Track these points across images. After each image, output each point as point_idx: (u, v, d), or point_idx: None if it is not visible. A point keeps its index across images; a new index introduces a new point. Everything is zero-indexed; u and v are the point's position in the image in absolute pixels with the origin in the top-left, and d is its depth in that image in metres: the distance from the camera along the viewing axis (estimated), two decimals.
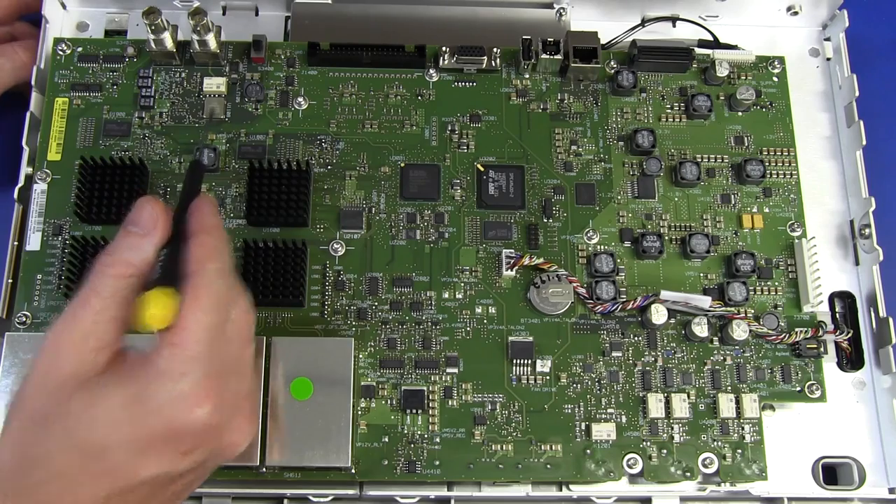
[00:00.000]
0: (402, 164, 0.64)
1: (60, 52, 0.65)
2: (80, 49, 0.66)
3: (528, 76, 0.66)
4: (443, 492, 0.58)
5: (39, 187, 0.62)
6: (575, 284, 0.60)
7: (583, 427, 0.59)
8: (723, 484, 0.58)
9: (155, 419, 0.41)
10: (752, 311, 0.61)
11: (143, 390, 0.41)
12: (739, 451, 0.59)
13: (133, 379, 0.42)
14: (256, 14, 0.71)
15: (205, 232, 0.46)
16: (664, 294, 0.60)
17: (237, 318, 0.46)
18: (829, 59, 0.71)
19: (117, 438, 0.41)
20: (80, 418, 0.41)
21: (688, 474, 0.58)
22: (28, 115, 0.63)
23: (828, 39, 0.72)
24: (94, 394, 0.41)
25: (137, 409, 0.41)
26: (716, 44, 0.69)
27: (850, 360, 0.63)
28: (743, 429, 0.59)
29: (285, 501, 0.58)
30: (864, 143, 0.65)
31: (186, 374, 0.42)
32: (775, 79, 0.68)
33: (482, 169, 0.64)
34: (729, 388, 0.60)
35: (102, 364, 0.42)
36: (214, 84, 0.65)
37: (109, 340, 0.43)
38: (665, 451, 0.58)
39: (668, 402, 0.59)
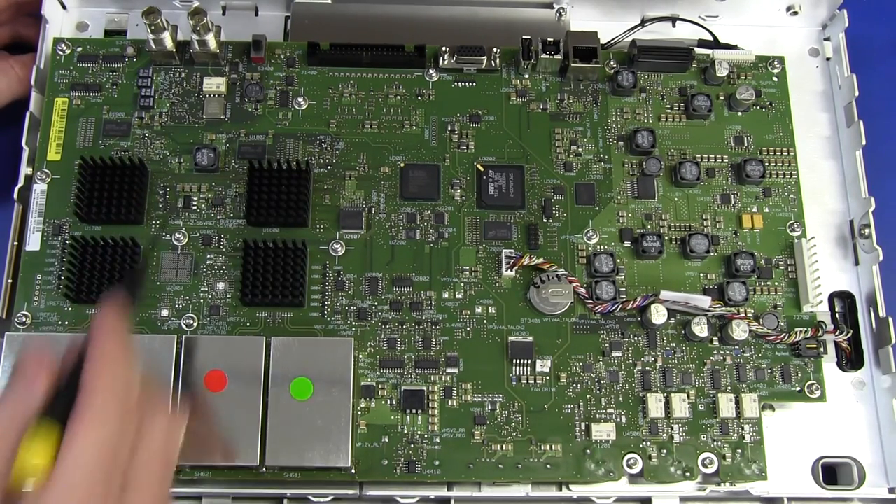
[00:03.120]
0: (402, 164, 0.64)
1: (60, 52, 0.65)
2: (79, 49, 0.66)
3: (527, 76, 0.66)
4: (443, 492, 0.58)
5: (39, 187, 0.62)
6: (575, 284, 0.60)
7: (583, 427, 0.59)
8: (722, 484, 0.58)
9: None
10: (752, 311, 0.61)
11: None
12: (739, 451, 0.59)
13: None
14: (256, 14, 0.71)
15: (97, 352, 0.43)
16: (664, 294, 0.60)
17: (149, 437, 0.43)
18: (828, 59, 0.71)
19: None
20: None
21: (687, 474, 0.58)
22: (28, 115, 0.63)
23: (828, 39, 0.72)
24: None
25: None
26: (716, 44, 0.69)
27: (850, 360, 0.63)
28: (743, 429, 0.59)
29: (285, 501, 0.58)
30: (864, 142, 0.65)
31: None
32: (775, 79, 0.68)
33: (482, 169, 0.64)
34: (729, 388, 0.60)
35: None
36: (214, 84, 0.65)
37: None
38: (665, 451, 0.58)
39: (667, 402, 0.59)
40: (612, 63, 0.67)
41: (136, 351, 0.45)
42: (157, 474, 0.44)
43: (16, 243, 0.61)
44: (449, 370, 0.59)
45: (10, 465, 0.40)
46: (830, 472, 0.61)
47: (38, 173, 0.62)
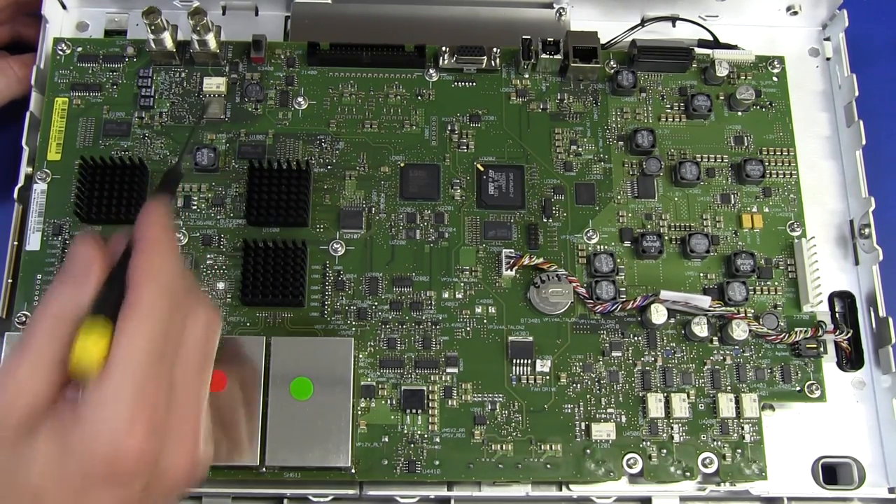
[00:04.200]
0: (402, 164, 0.64)
1: (60, 52, 0.65)
2: (79, 49, 0.66)
3: (527, 76, 0.66)
4: (443, 492, 0.58)
5: (39, 187, 0.62)
6: (575, 284, 0.60)
7: (582, 427, 0.59)
8: (722, 484, 0.58)
9: (85, 456, 0.39)
10: (752, 311, 0.61)
11: (70, 430, 0.40)
12: (739, 450, 0.59)
13: (62, 420, 0.40)
14: (256, 14, 0.71)
15: (144, 245, 0.43)
16: (664, 294, 0.60)
17: (193, 335, 0.44)
18: (828, 59, 0.71)
19: (51, 483, 0.39)
20: (14, 468, 0.40)
21: (687, 474, 0.58)
22: (28, 114, 0.63)
23: (827, 39, 0.72)
24: (26, 443, 0.40)
25: (67, 450, 0.40)
26: (716, 44, 0.69)
27: (850, 359, 0.63)
28: (743, 428, 0.59)
29: (285, 501, 0.58)
30: (864, 142, 0.65)
31: (114, 406, 0.40)
32: (775, 79, 0.68)
33: (482, 169, 0.64)
34: (729, 387, 0.60)
35: (38, 415, 0.40)
36: (214, 84, 0.65)
37: (45, 391, 0.40)
38: (665, 450, 0.58)
39: (667, 402, 0.59)
40: (612, 63, 0.67)
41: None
42: (199, 369, 0.45)
43: (16, 243, 0.61)
44: (449, 370, 0.59)
45: (65, 361, 0.41)
46: (830, 472, 0.61)
47: (38, 173, 0.62)
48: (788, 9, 0.71)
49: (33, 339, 0.41)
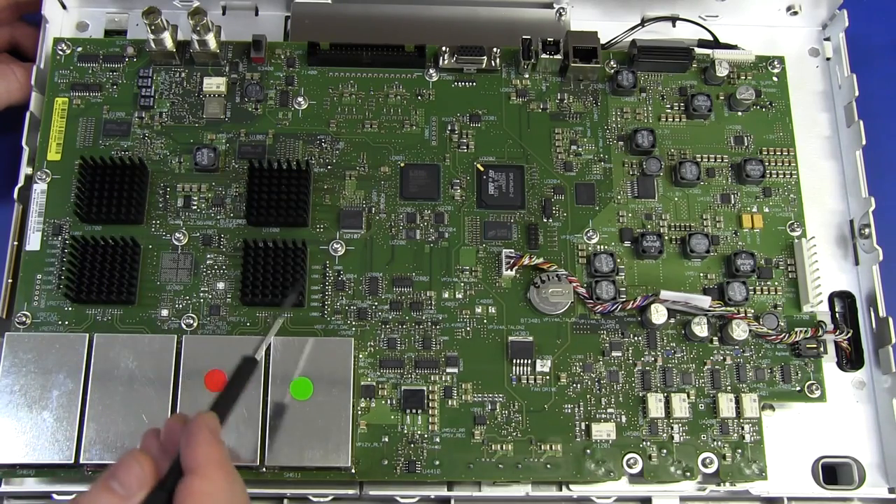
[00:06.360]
0: (402, 164, 0.64)
1: (60, 52, 0.65)
2: (80, 49, 0.66)
3: (527, 76, 0.66)
4: (443, 492, 0.58)
5: (39, 187, 0.62)
6: (575, 284, 0.60)
7: (583, 427, 0.59)
8: (723, 484, 0.58)
9: None
10: (752, 311, 0.61)
11: None
12: (739, 450, 0.59)
13: None
14: (256, 14, 0.71)
15: (191, 474, 0.41)
16: (664, 294, 0.60)
17: None
18: (828, 59, 0.71)
19: None
20: None
21: (688, 474, 0.58)
22: (28, 114, 0.63)
23: (827, 39, 0.72)
24: None
25: None
26: (716, 44, 0.69)
27: (850, 360, 0.63)
28: (743, 429, 0.59)
29: (285, 501, 0.58)
30: (864, 142, 0.65)
31: None
32: (775, 79, 0.68)
33: (482, 169, 0.64)
34: (729, 387, 0.60)
35: None
36: (214, 84, 0.65)
37: None
38: (665, 450, 0.58)
39: (667, 402, 0.59)
40: (612, 63, 0.67)
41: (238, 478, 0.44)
42: None
43: (16, 243, 0.61)
44: (449, 370, 0.59)
45: None
46: (830, 472, 0.61)
47: (39, 173, 0.62)
48: (788, 9, 0.71)
49: None
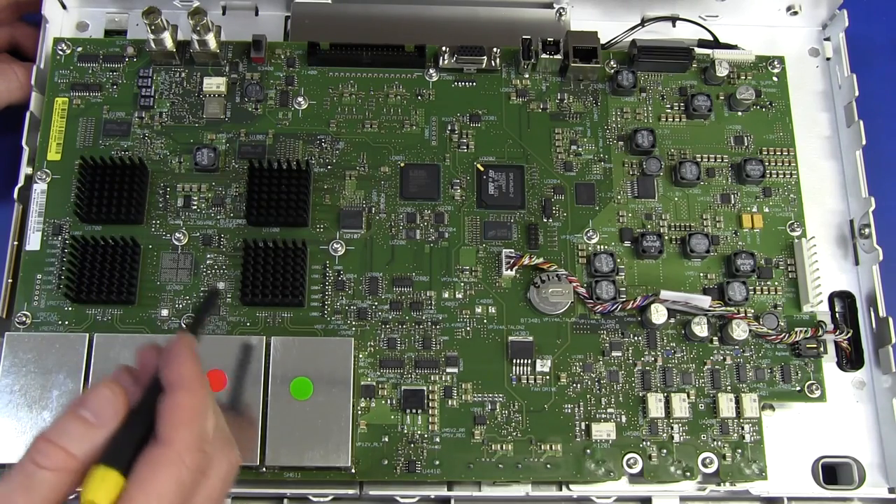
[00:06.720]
0: (402, 164, 0.64)
1: (60, 52, 0.65)
2: (80, 49, 0.66)
3: (527, 76, 0.66)
4: (443, 492, 0.58)
5: (39, 187, 0.62)
6: (575, 284, 0.60)
7: (583, 427, 0.59)
8: (723, 484, 0.58)
9: None
10: (752, 311, 0.61)
11: None
12: (739, 450, 0.59)
13: None
14: (256, 14, 0.71)
15: (177, 387, 0.40)
16: (664, 294, 0.60)
17: (210, 482, 0.41)
18: (828, 59, 0.71)
19: None
20: None
21: (688, 474, 0.58)
22: (28, 114, 0.63)
23: (827, 39, 0.72)
24: None
25: None
26: (716, 44, 0.69)
27: (850, 359, 0.63)
28: (743, 428, 0.59)
29: (285, 501, 0.58)
30: (864, 142, 0.65)
31: None
32: (775, 79, 0.68)
33: (482, 169, 0.64)
34: (729, 387, 0.60)
35: None
36: (214, 84, 0.65)
37: None
38: (665, 450, 0.58)
39: (667, 402, 0.59)
40: (612, 63, 0.67)
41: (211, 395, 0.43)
42: None
43: (16, 243, 0.61)
44: (449, 370, 0.59)
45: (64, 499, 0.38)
46: (830, 472, 0.61)
47: (39, 173, 0.62)
48: (788, 9, 0.71)
49: (35, 479, 0.38)
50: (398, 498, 0.57)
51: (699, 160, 0.64)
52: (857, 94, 0.67)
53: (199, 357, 0.43)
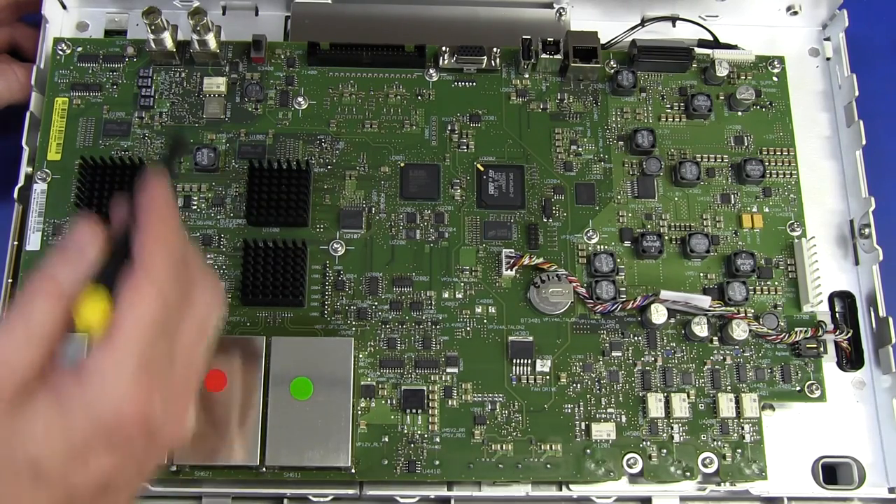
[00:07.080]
0: (402, 164, 0.64)
1: (60, 52, 0.65)
2: (80, 49, 0.66)
3: (527, 76, 0.66)
4: (443, 492, 0.58)
5: (39, 187, 0.62)
6: (575, 284, 0.60)
7: (583, 427, 0.59)
8: (723, 484, 0.58)
9: (87, 422, 0.39)
10: (752, 311, 0.61)
11: (72, 396, 0.40)
12: (739, 450, 0.59)
13: (62, 387, 0.40)
14: (256, 14, 0.71)
15: (151, 216, 0.43)
16: (664, 294, 0.60)
17: (195, 309, 0.44)
18: (828, 59, 0.71)
19: (51, 450, 0.39)
20: (10, 439, 0.39)
21: (688, 474, 0.58)
22: (28, 114, 0.63)
23: (828, 39, 0.72)
24: (23, 413, 0.39)
25: (69, 416, 0.39)
26: (716, 44, 0.69)
27: (850, 359, 0.63)
28: (743, 428, 0.59)
29: (285, 501, 0.58)
30: (864, 142, 0.65)
31: (118, 372, 0.40)
32: (775, 79, 0.68)
33: (482, 169, 0.64)
34: (729, 387, 0.60)
35: (32, 384, 0.40)
36: (214, 84, 0.65)
37: (38, 362, 0.40)
38: (665, 450, 0.58)
39: (667, 402, 0.59)
40: (612, 63, 0.67)
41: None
42: (199, 342, 0.45)
43: (16, 243, 0.61)
44: (449, 370, 0.59)
45: (61, 331, 0.41)
46: (830, 472, 0.61)
47: (39, 173, 0.62)
48: (788, 9, 0.71)
49: (30, 309, 0.41)
50: (398, 498, 0.57)
51: (699, 160, 0.64)
52: (857, 94, 0.67)
53: (168, 188, 0.45)
